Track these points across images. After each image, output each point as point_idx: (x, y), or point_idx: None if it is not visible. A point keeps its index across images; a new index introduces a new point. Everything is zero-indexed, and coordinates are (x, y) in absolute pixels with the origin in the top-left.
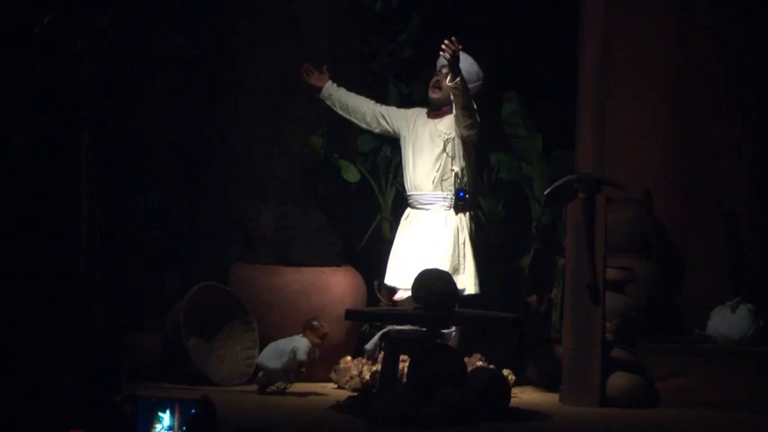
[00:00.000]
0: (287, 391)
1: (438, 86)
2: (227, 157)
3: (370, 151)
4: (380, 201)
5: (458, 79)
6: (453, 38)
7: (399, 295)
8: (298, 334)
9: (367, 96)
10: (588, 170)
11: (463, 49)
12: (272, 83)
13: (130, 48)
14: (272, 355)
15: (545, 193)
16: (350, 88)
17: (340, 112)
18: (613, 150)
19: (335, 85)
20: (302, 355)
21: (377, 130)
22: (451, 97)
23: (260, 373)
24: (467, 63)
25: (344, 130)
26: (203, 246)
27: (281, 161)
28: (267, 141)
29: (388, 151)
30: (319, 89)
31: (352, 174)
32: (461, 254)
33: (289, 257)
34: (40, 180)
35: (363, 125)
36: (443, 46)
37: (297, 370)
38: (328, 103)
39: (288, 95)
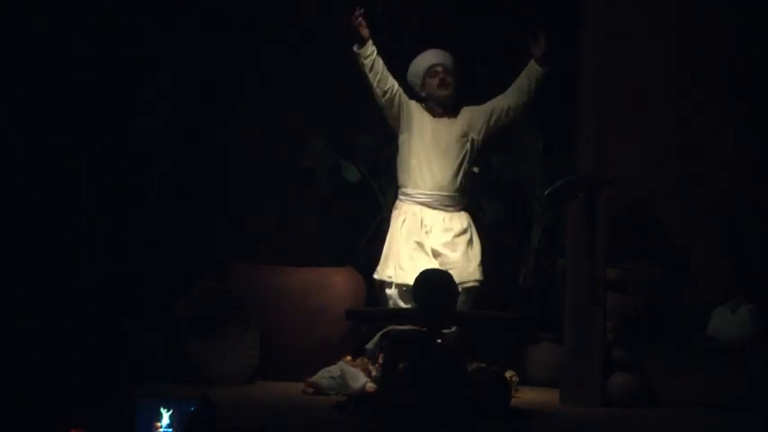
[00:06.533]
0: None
1: (445, 84)
2: (227, 157)
3: (371, 151)
4: (381, 201)
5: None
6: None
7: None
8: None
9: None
10: (588, 170)
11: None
12: (272, 83)
13: (130, 50)
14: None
15: (545, 193)
16: (351, 88)
17: (369, 74)
18: (613, 150)
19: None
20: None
21: (385, 112)
22: (530, 86)
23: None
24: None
25: (344, 130)
26: (204, 246)
27: (281, 161)
28: (267, 141)
29: (388, 151)
30: (363, 42)
31: (352, 174)
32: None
33: (289, 257)
34: (41, 181)
35: (377, 96)
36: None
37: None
38: (364, 60)
39: (288, 95)
